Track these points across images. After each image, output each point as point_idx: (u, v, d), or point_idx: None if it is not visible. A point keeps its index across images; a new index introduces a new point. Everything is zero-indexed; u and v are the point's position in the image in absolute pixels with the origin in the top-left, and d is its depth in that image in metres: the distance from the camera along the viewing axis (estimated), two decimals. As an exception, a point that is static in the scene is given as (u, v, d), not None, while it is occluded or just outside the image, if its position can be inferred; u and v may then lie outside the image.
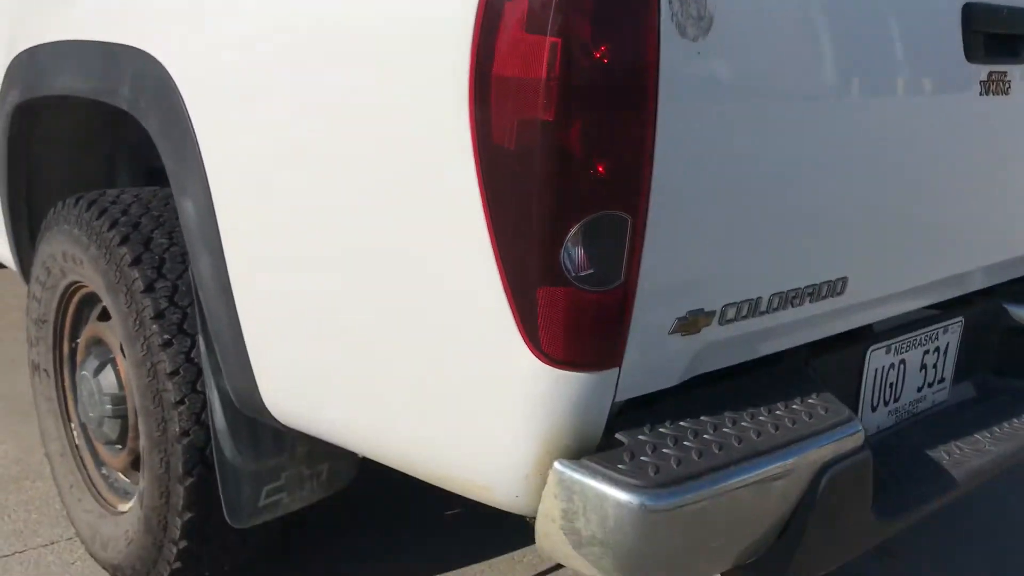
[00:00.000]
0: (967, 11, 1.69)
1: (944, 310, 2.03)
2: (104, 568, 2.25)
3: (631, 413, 1.44)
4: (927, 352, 1.99)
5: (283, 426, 1.79)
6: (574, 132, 1.21)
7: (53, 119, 2.30)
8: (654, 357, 1.41)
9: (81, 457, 2.36)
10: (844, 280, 1.65)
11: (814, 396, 1.58)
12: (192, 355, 1.89)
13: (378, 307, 1.51)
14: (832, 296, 1.64)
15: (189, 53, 1.72)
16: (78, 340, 2.32)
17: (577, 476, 1.32)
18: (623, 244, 1.28)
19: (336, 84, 1.47)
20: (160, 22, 1.78)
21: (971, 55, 1.73)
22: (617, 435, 1.39)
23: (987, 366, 2.20)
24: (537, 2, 1.19)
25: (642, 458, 1.34)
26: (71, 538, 2.42)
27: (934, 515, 2.48)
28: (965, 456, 1.85)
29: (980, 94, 1.78)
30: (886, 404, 1.93)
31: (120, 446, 2.18)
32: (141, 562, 2.09)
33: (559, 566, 2.39)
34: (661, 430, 1.41)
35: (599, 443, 1.38)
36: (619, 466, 1.32)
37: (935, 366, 2.03)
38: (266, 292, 1.70)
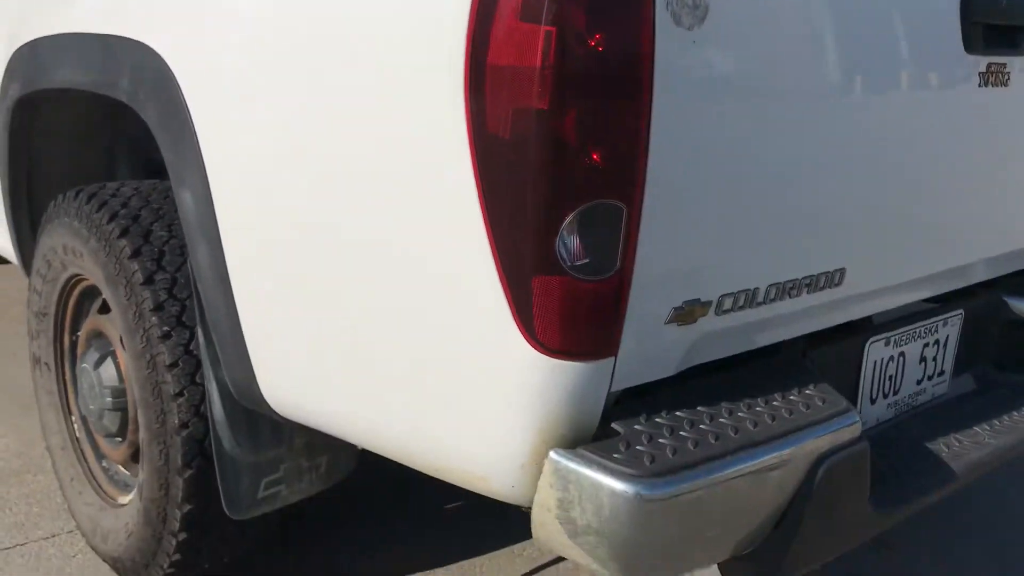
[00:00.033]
0: (966, 2, 1.68)
1: (944, 303, 2.03)
2: (104, 560, 2.26)
3: (628, 403, 1.44)
4: (927, 345, 1.99)
5: (281, 418, 1.79)
6: (569, 121, 1.21)
7: (54, 113, 2.31)
8: (650, 347, 1.41)
9: (82, 450, 2.37)
10: (842, 271, 1.64)
11: (811, 387, 1.58)
12: (191, 347, 1.90)
13: (375, 298, 1.51)
14: (830, 287, 1.64)
15: (188, 45, 1.72)
16: (79, 333, 2.32)
17: (573, 465, 1.32)
18: (618, 233, 1.28)
19: (333, 75, 1.47)
20: (159, 14, 1.78)
21: (970, 46, 1.72)
22: (613, 425, 1.39)
23: (987, 359, 2.20)
24: (532, -10, 1.19)
25: (638, 448, 1.34)
26: (72, 531, 2.43)
27: (933, 508, 2.48)
28: (964, 449, 1.84)
29: (979, 86, 1.78)
30: (885, 397, 1.93)
31: (120, 439, 2.18)
32: (141, 554, 2.10)
33: (559, 560, 2.39)
34: (657, 420, 1.41)
35: (595, 433, 1.38)
36: (615, 455, 1.32)
37: (935, 359, 2.02)
38: (264, 284, 1.70)
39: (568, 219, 1.25)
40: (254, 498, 1.93)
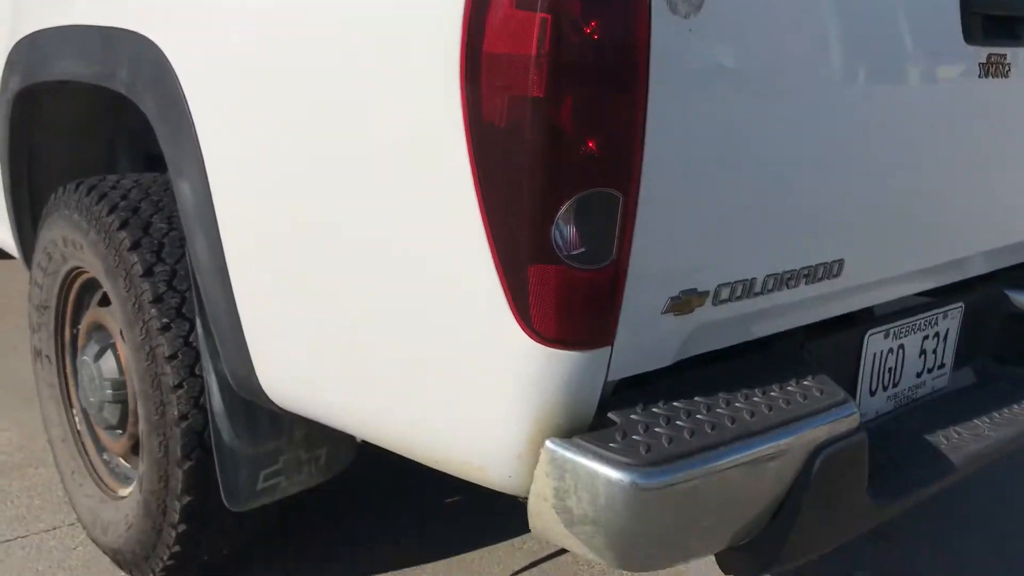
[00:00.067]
0: (966, -8, 1.68)
1: (944, 295, 2.03)
2: (105, 552, 2.26)
3: (624, 393, 1.44)
4: (926, 337, 1.98)
5: (280, 409, 1.80)
6: (564, 109, 1.21)
7: (54, 105, 2.31)
8: (647, 337, 1.41)
9: (82, 443, 2.37)
10: (840, 262, 1.64)
11: (809, 378, 1.57)
12: (190, 339, 1.90)
13: (371, 290, 1.51)
14: (828, 278, 1.63)
15: (186, 36, 1.72)
16: (79, 326, 2.33)
17: (568, 454, 1.32)
18: (614, 222, 1.28)
19: (329, 65, 1.47)
20: (158, 6, 1.78)
21: (970, 37, 1.72)
22: (610, 415, 1.39)
23: (988, 353, 2.19)
24: (527, -22, 1.19)
25: (634, 437, 1.34)
26: (73, 523, 2.43)
27: (932, 500, 2.48)
28: (964, 441, 1.84)
29: (979, 77, 1.77)
30: (885, 389, 1.93)
31: (120, 431, 2.19)
32: (140, 546, 2.10)
33: (558, 553, 2.39)
34: (654, 410, 1.41)
35: (592, 423, 1.38)
36: (610, 444, 1.31)
37: (935, 352, 2.02)
38: (262, 275, 1.70)
39: (564, 208, 1.25)
40: (253, 490, 1.93)
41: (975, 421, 1.92)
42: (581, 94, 1.22)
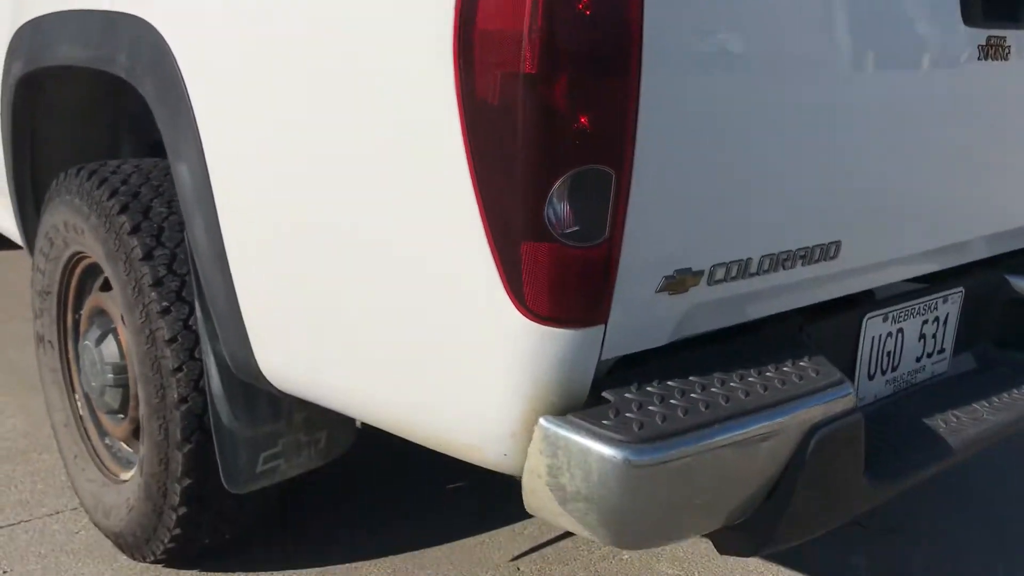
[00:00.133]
0: (965, -27, 1.68)
1: (944, 280, 2.02)
2: (107, 536, 2.28)
3: (619, 373, 1.44)
4: (926, 322, 1.98)
5: (279, 392, 1.80)
6: (557, 85, 1.21)
7: (56, 91, 2.32)
8: (641, 315, 1.41)
9: (85, 427, 2.39)
10: (837, 244, 1.64)
11: (806, 359, 1.57)
12: (190, 322, 1.91)
13: (367, 272, 1.51)
14: (825, 260, 1.63)
15: (184, 19, 1.73)
16: (81, 311, 2.34)
17: (561, 431, 1.32)
18: (607, 199, 1.28)
19: (325, 45, 1.48)
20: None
21: (969, 19, 1.71)
22: (603, 393, 1.39)
23: (989, 338, 2.19)
24: (519, -46, 1.19)
25: (627, 415, 1.34)
26: (76, 508, 2.45)
27: (931, 486, 2.49)
28: (962, 425, 1.83)
29: (979, 59, 1.76)
30: (884, 373, 1.92)
31: (122, 415, 2.20)
32: (142, 529, 2.12)
33: (559, 538, 2.39)
34: (648, 389, 1.41)
35: (586, 401, 1.38)
36: (603, 422, 1.32)
37: (934, 336, 2.01)
38: (260, 258, 1.70)
39: (557, 185, 1.25)
40: (252, 472, 1.94)
41: (974, 405, 1.91)
42: (574, 70, 1.22)
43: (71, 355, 2.41)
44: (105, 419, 2.30)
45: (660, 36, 1.26)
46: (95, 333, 2.20)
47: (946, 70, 1.74)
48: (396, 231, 1.43)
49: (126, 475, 2.25)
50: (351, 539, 2.36)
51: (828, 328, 1.78)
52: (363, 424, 1.78)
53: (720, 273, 1.47)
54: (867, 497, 1.62)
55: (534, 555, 2.33)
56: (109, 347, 2.17)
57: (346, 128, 1.46)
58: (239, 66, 1.63)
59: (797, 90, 1.49)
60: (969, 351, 2.15)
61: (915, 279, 1.95)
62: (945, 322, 2.03)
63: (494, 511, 2.48)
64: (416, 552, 2.32)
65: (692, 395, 1.41)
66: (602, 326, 1.35)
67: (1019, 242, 2.13)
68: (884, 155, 1.67)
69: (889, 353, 1.91)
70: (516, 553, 2.34)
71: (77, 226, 2.11)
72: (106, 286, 2.21)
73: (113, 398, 2.17)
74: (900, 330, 1.92)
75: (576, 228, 1.28)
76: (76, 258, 2.26)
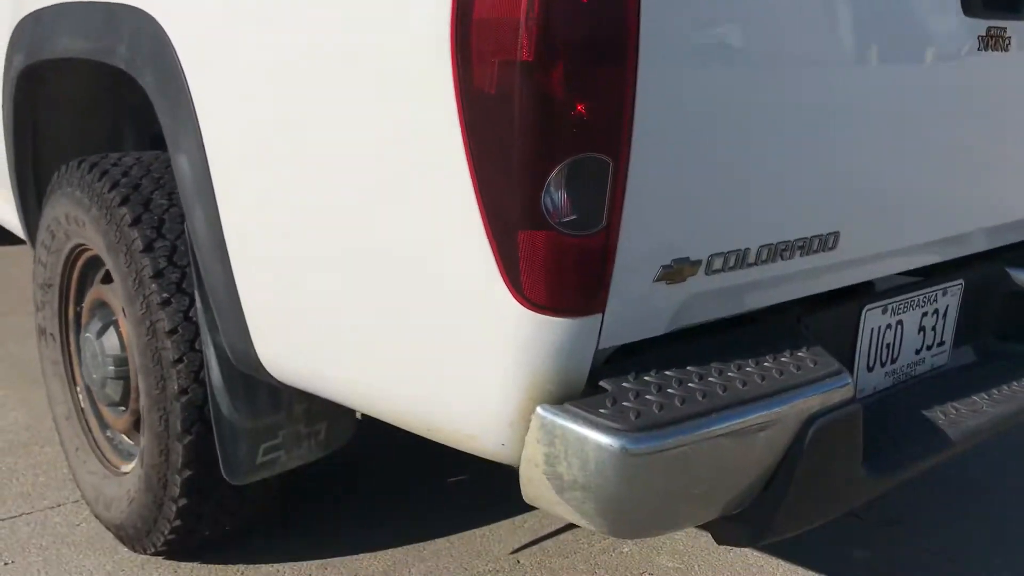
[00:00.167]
0: (964, -37, 1.67)
1: (944, 272, 2.02)
2: (108, 528, 2.28)
3: (617, 363, 1.44)
4: (925, 314, 1.98)
5: (279, 383, 1.81)
6: (554, 73, 1.21)
7: (58, 83, 2.32)
8: (638, 305, 1.41)
9: (86, 420, 2.39)
10: (836, 235, 1.64)
11: (804, 350, 1.57)
12: (190, 314, 1.92)
13: (365, 262, 1.52)
14: (823, 251, 1.63)
15: (184, 11, 1.73)
16: (83, 304, 2.35)
17: (559, 420, 1.32)
18: (604, 188, 1.28)
19: (323, 35, 1.48)
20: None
21: (969, 9, 1.71)
22: (601, 382, 1.39)
23: (989, 331, 2.19)
24: (515, -58, 1.19)
25: (624, 403, 1.34)
26: (77, 500, 2.45)
27: (931, 480, 2.49)
28: (961, 416, 1.83)
29: (979, 50, 1.76)
30: (883, 365, 1.92)
31: (123, 407, 2.20)
32: (143, 520, 2.12)
33: (560, 531, 2.39)
34: (645, 378, 1.41)
35: (583, 390, 1.38)
36: (600, 410, 1.32)
37: (934, 328, 2.01)
38: (260, 249, 1.71)
39: (554, 173, 1.25)
40: (253, 464, 1.94)
41: (973, 397, 1.91)
42: (570, 58, 1.22)
43: (72, 348, 2.42)
44: (106, 411, 2.30)
45: (658, 23, 1.26)
46: (96, 325, 2.20)
47: (946, 61, 1.74)
48: (394, 220, 1.43)
49: (127, 467, 2.26)
50: (351, 531, 2.36)
51: (827, 319, 1.78)
52: (363, 415, 1.78)
53: (718, 263, 1.47)
54: (865, 488, 1.62)
55: (534, 548, 2.33)
56: (110, 339, 2.17)
57: (343, 118, 1.46)
58: (239, 57, 1.64)
59: (796, 80, 1.49)
60: (969, 344, 2.15)
61: (915, 271, 1.95)
62: (945, 314, 2.03)
63: (494, 504, 2.48)
64: (417, 545, 2.32)
65: (690, 384, 1.41)
66: (599, 315, 1.36)
67: (1019, 235, 2.13)
68: (883, 146, 1.67)
69: (888, 345, 1.91)
70: (516, 546, 2.34)
71: (78, 218, 2.11)
72: (107, 278, 2.22)
73: (114, 390, 2.17)
74: (899, 322, 1.92)
75: (573, 217, 1.28)
76: (77, 251, 2.27)
